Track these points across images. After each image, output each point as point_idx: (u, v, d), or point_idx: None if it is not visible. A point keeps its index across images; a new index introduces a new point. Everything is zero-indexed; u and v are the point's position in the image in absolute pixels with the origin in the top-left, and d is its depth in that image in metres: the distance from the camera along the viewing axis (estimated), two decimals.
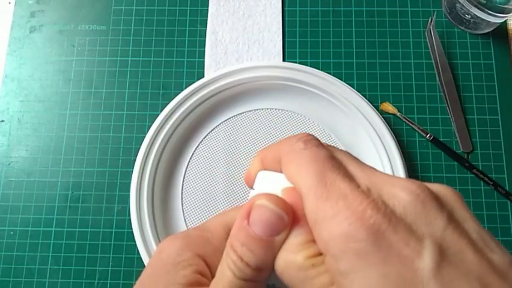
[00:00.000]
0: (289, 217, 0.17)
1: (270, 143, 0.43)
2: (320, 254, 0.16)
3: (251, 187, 0.22)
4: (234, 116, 0.44)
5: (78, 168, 0.44)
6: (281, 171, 0.19)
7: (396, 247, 0.14)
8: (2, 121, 0.46)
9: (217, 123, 0.44)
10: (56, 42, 0.48)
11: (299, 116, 0.44)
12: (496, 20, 0.44)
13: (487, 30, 0.47)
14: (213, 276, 0.19)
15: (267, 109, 0.44)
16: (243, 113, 0.44)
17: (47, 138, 0.45)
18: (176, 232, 0.20)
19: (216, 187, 0.42)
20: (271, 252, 0.17)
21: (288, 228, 0.17)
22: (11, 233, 0.43)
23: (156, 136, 0.42)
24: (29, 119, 0.46)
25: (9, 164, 0.44)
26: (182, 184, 0.43)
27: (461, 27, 0.47)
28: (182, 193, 0.42)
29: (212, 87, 0.43)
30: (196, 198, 0.42)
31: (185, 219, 0.42)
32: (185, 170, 0.43)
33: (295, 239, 0.17)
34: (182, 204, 0.42)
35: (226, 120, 0.44)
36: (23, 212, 0.43)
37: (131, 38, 0.48)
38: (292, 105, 0.44)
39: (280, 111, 0.44)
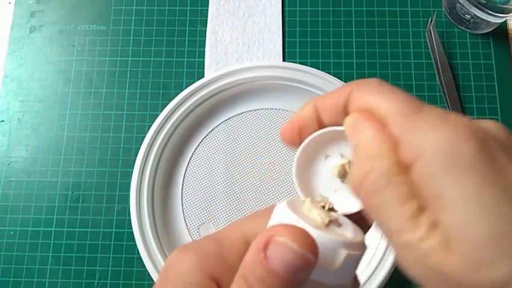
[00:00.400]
0: (316, 255, 0.15)
1: (270, 143, 0.43)
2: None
3: (293, 145, 0.21)
4: (234, 116, 0.44)
5: (78, 168, 0.44)
6: (341, 125, 0.18)
7: (501, 163, 0.14)
8: (2, 121, 0.46)
9: (217, 123, 0.44)
10: (56, 42, 0.48)
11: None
12: (496, 20, 0.44)
13: (487, 30, 0.47)
14: None
15: (267, 109, 0.44)
16: (243, 113, 0.44)
17: (47, 138, 0.45)
18: (189, 242, 0.18)
19: (216, 187, 0.42)
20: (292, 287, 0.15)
21: (313, 266, 0.15)
22: (11, 233, 0.43)
23: (156, 136, 0.42)
24: (29, 119, 0.46)
25: (9, 164, 0.44)
26: (182, 184, 0.43)
27: (461, 27, 0.47)
28: (182, 193, 0.42)
29: (212, 87, 0.43)
30: (196, 198, 0.42)
31: (185, 219, 0.42)
32: (185, 170, 0.43)
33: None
34: (182, 204, 0.42)
35: (226, 120, 0.44)
36: (23, 212, 0.43)
37: (131, 38, 0.48)
38: (292, 105, 0.44)
39: (280, 111, 0.44)
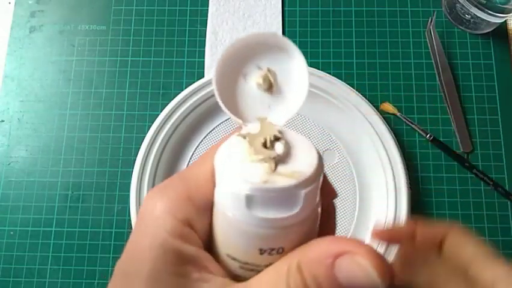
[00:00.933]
0: (386, 282, 0.15)
1: None
2: None
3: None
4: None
5: (78, 168, 0.44)
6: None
7: None
8: (2, 121, 0.46)
9: (217, 123, 0.44)
10: (56, 42, 0.48)
11: (299, 116, 0.44)
12: (496, 20, 0.44)
13: (487, 30, 0.47)
14: (201, 239, 0.18)
15: None
16: None
17: (47, 138, 0.45)
18: (161, 184, 0.19)
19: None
20: None
21: None
22: (11, 233, 0.43)
23: (156, 136, 0.42)
24: (29, 119, 0.46)
25: (9, 164, 0.44)
26: None
27: (461, 27, 0.47)
28: None
29: (212, 87, 0.43)
30: None
31: None
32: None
33: None
34: None
35: (226, 120, 0.44)
36: (23, 212, 0.43)
37: (131, 38, 0.48)
38: None
39: None
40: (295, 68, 0.18)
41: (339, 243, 0.16)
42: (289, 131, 0.18)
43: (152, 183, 0.41)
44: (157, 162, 0.42)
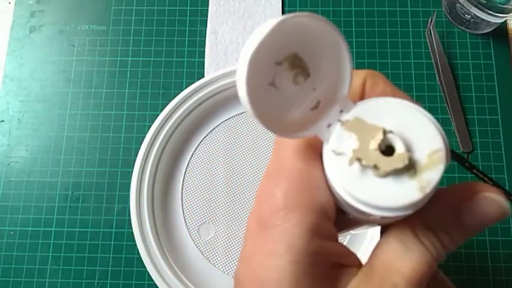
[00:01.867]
0: (509, 212, 0.17)
1: (270, 143, 0.43)
2: None
3: None
4: (234, 116, 0.44)
5: (78, 168, 0.44)
6: None
7: None
8: (2, 121, 0.46)
9: (217, 123, 0.44)
10: (56, 42, 0.48)
11: None
12: (496, 20, 0.44)
13: (487, 30, 0.47)
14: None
15: None
16: (243, 113, 0.44)
17: (47, 138, 0.45)
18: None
19: (216, 187, 0.42)
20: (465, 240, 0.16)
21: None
22: (11, 233, 0.43)
23: (156, 136, 0.42)
24: (29, 119, 0.46)
25: (9, 164, 0.44)
26: (182, 184, 0.43)
27: (461, 27, 0.47)
28: (182, 193, 0.42)
29: (212, 87, 0.43)
30: (196, 198, 0.42)
31: (185, 219, 0.42)
32: (185, 170, 0.43)
33: None
34: (182, 204, 0.42)
35: (226, 120, 0.44)
36: (23, 212, 0.43)
37: (131, 38, 0.48)
38: None
39: None
40: (337, 58, 0.15)
41: (456, 192, 0.16)
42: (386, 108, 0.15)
43: (153, 183, 0.41)
44: (157, 162, 0.42)
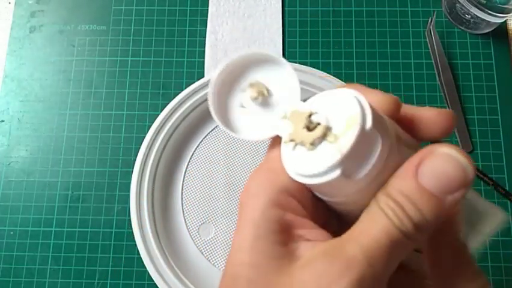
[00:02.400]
0: (473, 174, 0.15)
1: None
2: None
3: None
4: None
5: (78, 168, 0.44)
6: None
7: None
8: (2, 121, 0.46)
9: (216, 125, 0.44)
10: (56, 42, 0.48)
11: None
12: (496, 20, 0.44)
13: (487, 30, 0.47)
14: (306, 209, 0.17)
15: None
16: None
17: (47, 138, 0.45)
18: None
19: (216, 187, 0.42)
20: (437, 214, 0.15)
21: (467, 187, 0.15)
22: (11, 233, 0.43)
23: (156, 136, 0.42)
24: (29, 119, 0.46)
25: (9, 164, 0.44)
26: (182, 184, 0.43)
27: (461, 27, 0.47)
28: (182, 193, 0.43)
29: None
30: (196, 198, 0.42)
31: (185, 219, 0.42)
32: (185, 170, 0.43)
33: None
34: (182, 204, 0.42)
35: None
36: (23, 212, 0.43)
37: (131, 38, 0.48)
38: None
39: None
40: (285, 76, 0.19)
41: (414, 157, 0.15)
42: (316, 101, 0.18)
43: (153, 183, 0.41)
44: (157, 162, 0.42)
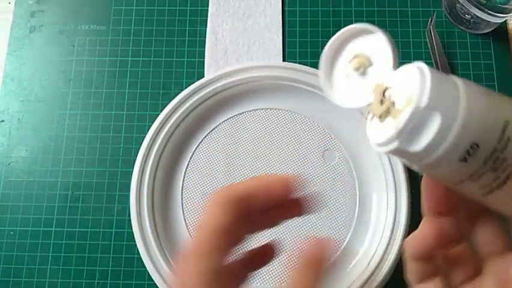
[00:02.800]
0: None
1: (270, 143, 0.44)
2: None
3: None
4: (234, 116, 0.44)
5: (78, 168, 0.44)
6: None
7: None
8: (2, 121, 0.46)
9: (217, 123, 0.44)
10: (56, 42, 0.48)
11: (299, 116, 0.44)
12: (496, 20, 0.44)
13: (487, 30, 0.47)
14: None
15: (267, 109, 0.44)
16: (243, 113, 0.44)
17: (47, 138, 0.45)
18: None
19: (216, 187, 0.42)
20: None
21: None
22: (11, 233, 0.43)
23: (156, 136, 0.42)
24: (29, 119, 0.46)
25: (9, 164, 0.44)
26: (183, 184, 0.43)
27: (461, 27, 0.47)
28: (182, 193, 0.42)
29: (212, 87, 0.43)
30: (196, 198, 0.42)
31: (185, 219, 0.42)
32: (185, 170, 0.43)
33: None
34: (182, 204, 0.42)
35: (226, 120, 0.44)
36: (23, 212, 0.43)
37: (131, 38, 0.48)
38: (293, 105, 0.44)
39: (280, 111, 0.44)
40: (382, 46, 0.21)
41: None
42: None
43: (153, 183, 0.41)
44: (157, 162, 0.42)
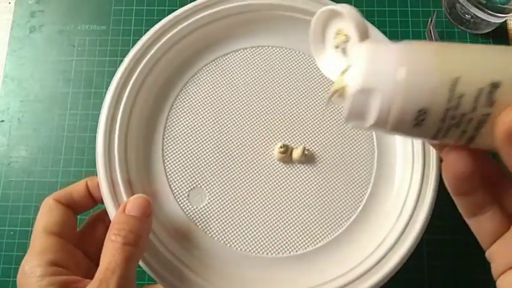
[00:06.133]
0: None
1: (266, 87, 0.37)
2: None
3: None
4: (223, 55, 0.37)
5: (78, 168, 0.44)
6: None
7: None
8: (2, 121, 0.46)
9: (203, 65, 0.37)
10: (56, 42, 0.48)
11: (298, 53, 0.38)
12: (496, 20, 0.44)
13: (487, 30, 0.47)
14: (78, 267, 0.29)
15: (264, 47, 0.38)
16: (237, 50, 0.38)
17: (47, 138, 0.45)
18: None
19: (204, 143, 0.35)
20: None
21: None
22: (11, 233, 0.43)
23: (125, 80, 0.34)
24: (29, 119, 0.46)
25: (9, 164, 0.45)
26: (163, 143, 0.35)
27: (461, 27, 0.47)
28: (163, 155, 0.35)
29: (199, 15, 0.35)
30: (181, 159, 0.35)
31: (170, 186, 0.34)
32: (165, 125, 0.36)
33: None
34: (164, 168, 0.34)
35: (213, 60, 0.37)
36: (23, 212, 0.43)
37: (131, 38, 0.48)
38: (294, 43, 0.38)
39: (279, 48, 0.38)
40: (352, 24, 0.22)
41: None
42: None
43: (124, 145, 0.33)
44: (127, 119, 0.34)
